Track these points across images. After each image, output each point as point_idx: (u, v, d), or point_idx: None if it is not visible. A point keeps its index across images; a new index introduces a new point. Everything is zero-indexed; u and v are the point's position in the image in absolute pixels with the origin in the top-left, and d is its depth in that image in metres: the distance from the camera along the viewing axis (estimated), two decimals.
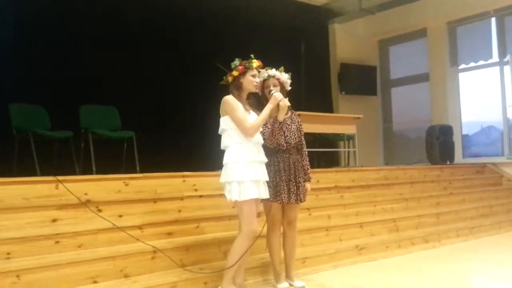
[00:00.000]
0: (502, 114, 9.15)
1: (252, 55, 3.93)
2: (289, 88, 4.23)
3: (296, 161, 4.14)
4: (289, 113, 4.22)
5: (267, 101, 4.00)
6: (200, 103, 7.02)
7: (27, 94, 6.07)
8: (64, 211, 4.15)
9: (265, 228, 4.10)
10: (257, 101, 4.11)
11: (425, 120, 10.10)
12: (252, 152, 3.81)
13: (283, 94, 4.09)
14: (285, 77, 4.17)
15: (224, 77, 3.93)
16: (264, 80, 4.12)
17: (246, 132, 3.78)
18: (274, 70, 4.15)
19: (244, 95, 3.94)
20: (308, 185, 4.24)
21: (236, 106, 3.80)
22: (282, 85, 4.15)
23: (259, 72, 4.00)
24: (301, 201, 4.15)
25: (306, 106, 7.93)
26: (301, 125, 4.27)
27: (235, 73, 3.87)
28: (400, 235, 5.96)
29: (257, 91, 4.04)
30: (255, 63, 3.92)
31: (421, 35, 10.44)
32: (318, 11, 10.20)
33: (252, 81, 3.90)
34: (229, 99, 3.82)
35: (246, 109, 3.88)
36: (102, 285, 3.71)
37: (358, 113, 8.53)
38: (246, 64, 3.88)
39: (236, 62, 3.89)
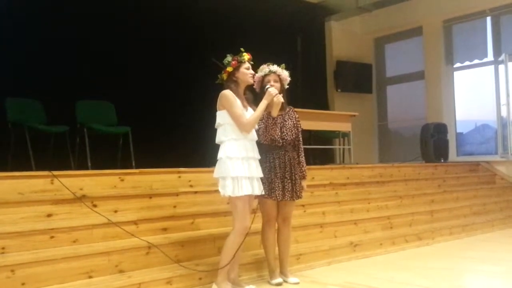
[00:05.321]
0: (496, 113, 9.19)
1: (242, 49, 3.95)
2: (287, 86, 4.24)
3: (292, 158, 4.15)
4: (287, 109, 4.22)
5: (265, 95, 4.00)
6: (196, 99, 7.02)
7: (24, 88, 6.06)
8: (59, 206, 4.15)
9: (257, 224, 4.11)
10: (254, 96, 4.12)
11: (420, 118, 10.15)
12: (247, 148, 3.82)
13: (281, 90, 4.10)
14: (285, 74, 4.19)
15: (218, 75, 3.94)
16: (265, 75, 4.13)
17: (243, 128, 3.79)
18: (275, 66, 4.16)
19: (242, 90, 3.95)
20: (304, 183, 4.25)
21: (234, 101, 3.81)
22: (281, 82, 4.16)
23: (251, 64, 4.01)
24: (297, 198, 4.16)
25: (302, 103, 7.94)
26: (298, 121, 4.26)
27: (229, 69, 3.89)
28: (394, 232, 5.99)
29: (254, 82, 4.04)
30: (246, 55, 3.95)
31: (417, 33, 10.47)
32: (314, 8, 10.20)
33: (246, 73, 3.92)
34: (228, 94, 3.83)
35: (244, 106, 3.90)
36: (97, 280, 3.71)
37: (353, 110, 8.56)
38: (238, 58, 3.91)
39: (229, 58, 3.91)
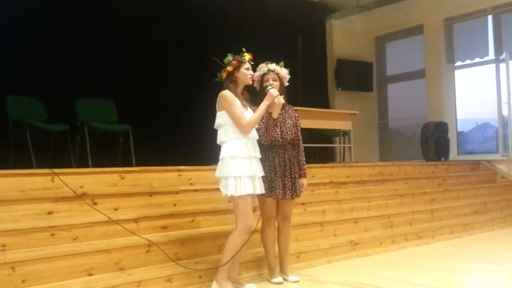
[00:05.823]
0: (497, 111, 9.18)
1: (243, 49, 3.95)
2: (287, 84, 4.24)
3: (292, 157, 4.15)
4: (286, 108, 4.21)
5: (265, 95, 4.00)
6: (196, 98, 7.02)
7: (24, 86, 6.07)
8: (60, 204, 4.16)
9: (260, 223, 4.12)
10: (251, 96, 4.12)
11: (420, 117, 10.15)
12: (249, 147, 3.83)
13: (280, 89, 4.10)
14: (284, 72, 4.18)
15: (218, 74, 3.94)
16: (264, 74, 4.12)
17: (243, 129, 3.79)
18: (274, 64, 4.15)
19: (240, 89, 3.96)
20: (304, 181, 4.24)
21: (233, 101, 3.81)
22: (281, 80, 4.15)
23: (251, 64, 4.01)
24: (296, 197, 4.17)
25: (302, 101, 7.94)
26: (298, 120, 4.26)
27: (229, 68, 3.89)
28: (394, 231, 5.99)
29: (252, 82, 4.04)
30: (247, 56, 3.95)
31: (418, 32, 10.46)
32: (315, 7, 10.21)
33: (246, 74, 3.92)
34: (227, 94, 3.83)
35: (244, 105, 3.90)
36: (97, 277, 3.72)
37: (354, 109, 8.55)
38: (239, 58, 3.91)
39: (229, 57, 3.91)
